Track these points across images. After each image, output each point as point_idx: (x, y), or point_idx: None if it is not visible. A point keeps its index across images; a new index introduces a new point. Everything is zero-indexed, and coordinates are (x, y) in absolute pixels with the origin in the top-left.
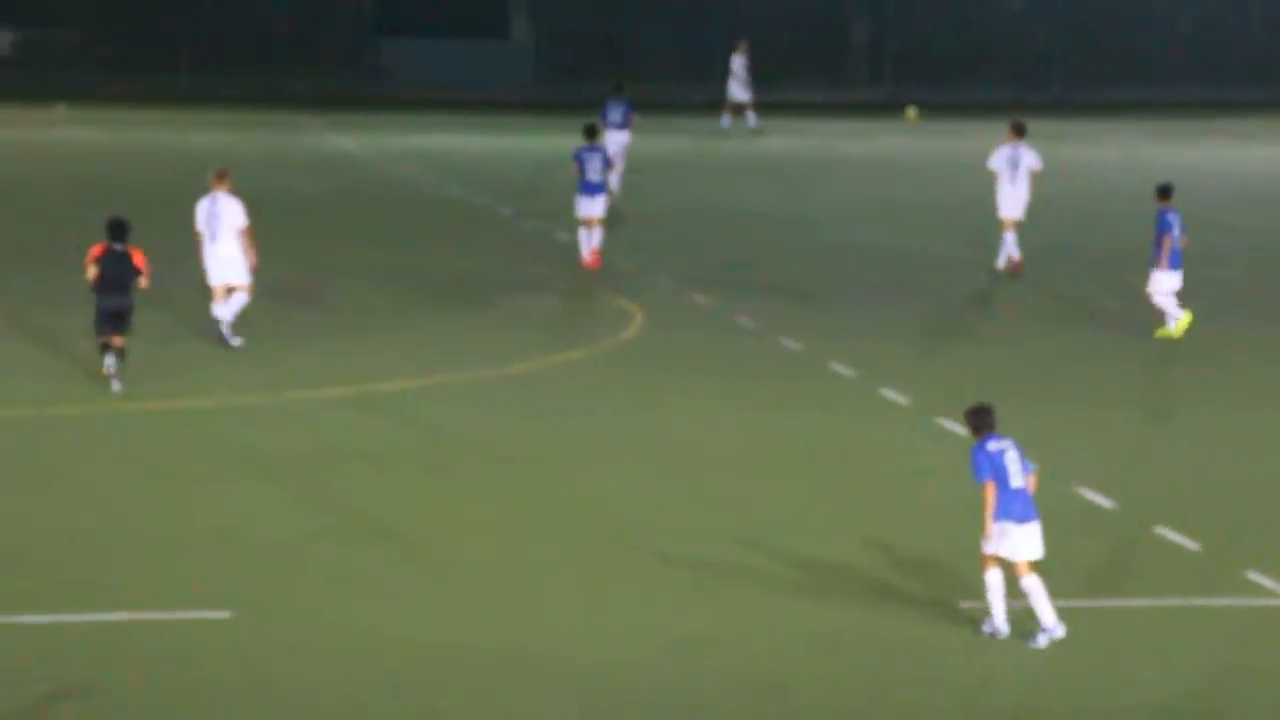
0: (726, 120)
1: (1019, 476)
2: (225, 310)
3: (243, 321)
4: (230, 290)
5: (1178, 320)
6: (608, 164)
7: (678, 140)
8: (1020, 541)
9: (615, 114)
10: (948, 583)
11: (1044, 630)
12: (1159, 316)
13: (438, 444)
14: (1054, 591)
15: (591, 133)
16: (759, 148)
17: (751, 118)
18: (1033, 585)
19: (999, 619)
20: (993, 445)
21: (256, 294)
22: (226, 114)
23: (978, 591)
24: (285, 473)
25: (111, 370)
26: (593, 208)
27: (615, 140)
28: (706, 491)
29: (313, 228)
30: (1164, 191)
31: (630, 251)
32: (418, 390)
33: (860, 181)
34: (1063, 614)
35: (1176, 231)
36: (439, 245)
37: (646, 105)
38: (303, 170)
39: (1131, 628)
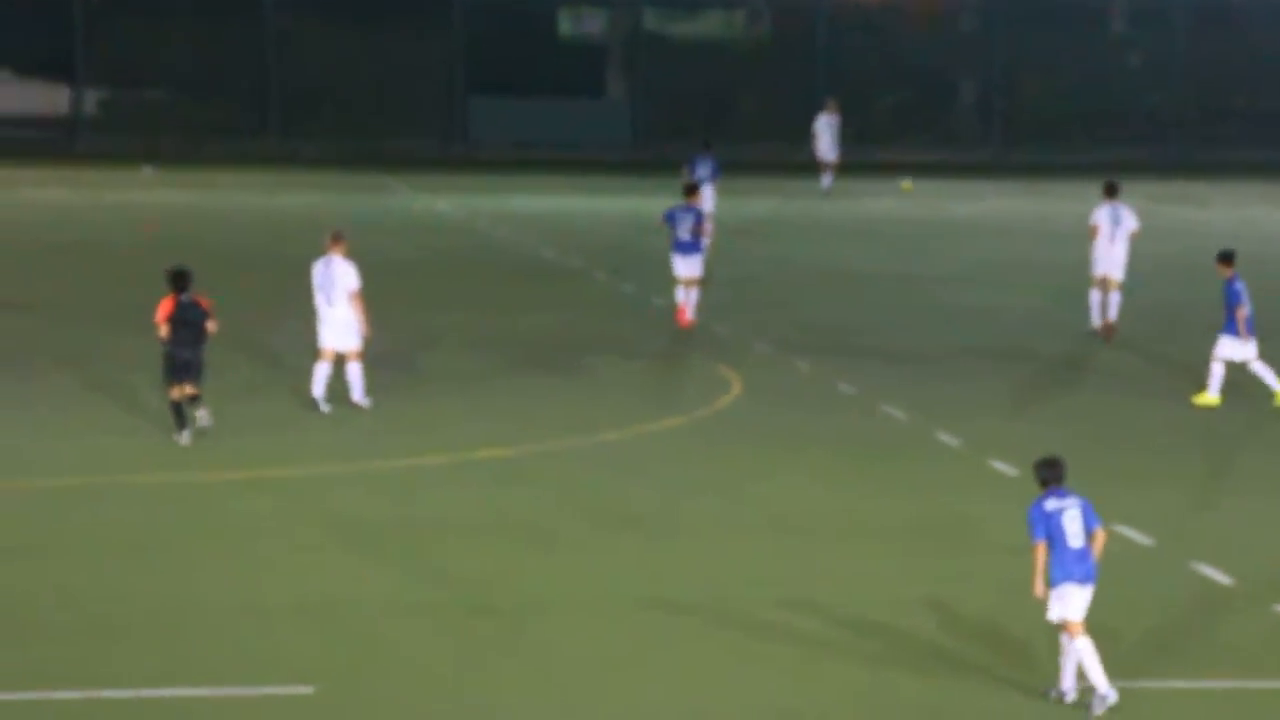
0: (827, 180)
1: (1078, 537)
2: (355, 382)
3: (336, 385)
4: (339, 355)
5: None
6: (700, 222)
7: (778, 201)
8: (1079, 603)
9: (703, 171)
10: (1054, 663)
11: (1100, 696)
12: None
13: (533, 514)
14: (1187, 672)
15: (690, 191)
16: (861, 209)
17: (827, 179)
18: (1087, 647)
19: (1102, 683)
20: (1051, 504)
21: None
22: (315, 175)
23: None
24: (376, 543)
25: (187, 427)
26: (685, 267)
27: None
28: (807, 564)
29: (405, 291)
30: (1226, 258)
31: (728, 315)
32: (512, 458)
33: (965, 243)
34: (1190, 694)
35: (1244, 300)
36: (533, 309)
37: (746, 166)
38: (394, 233)
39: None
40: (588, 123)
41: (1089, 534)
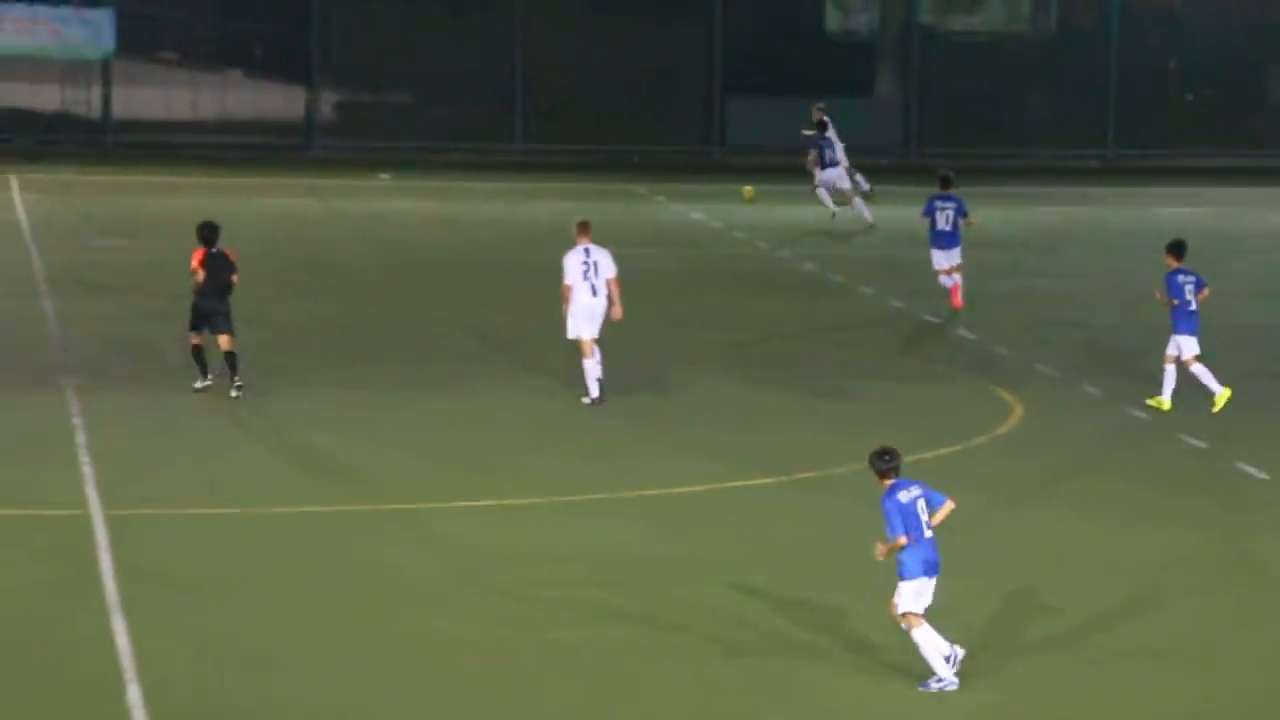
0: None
1: (929, 527)
2: (598, 367)
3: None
4: (596, 343)
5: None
6: (964, 214)
7: (1063, 209)
8: (928, 594)
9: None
10: None
11: (937, 678)
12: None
13: (800, 545)
14: None
15: (946, 182)
16: (1153, 218)
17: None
18: (927, 636)
19: (945, 669)
20: (904, 495)
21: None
22: (561, 182)
23: None
24: (623, 579)
25: (210, 375)
26: (945, 259)
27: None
28: (1071, 603)
29: (654, 306)
30: (1173, 249)
31: (1007, 334)
32: (772, 488)
33: (1269, 256)
34: None
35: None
36: (792, 327)
37: (1027, 171)
38: (644, 243)
39: None
40: (855, 125)
41: (932, 513)
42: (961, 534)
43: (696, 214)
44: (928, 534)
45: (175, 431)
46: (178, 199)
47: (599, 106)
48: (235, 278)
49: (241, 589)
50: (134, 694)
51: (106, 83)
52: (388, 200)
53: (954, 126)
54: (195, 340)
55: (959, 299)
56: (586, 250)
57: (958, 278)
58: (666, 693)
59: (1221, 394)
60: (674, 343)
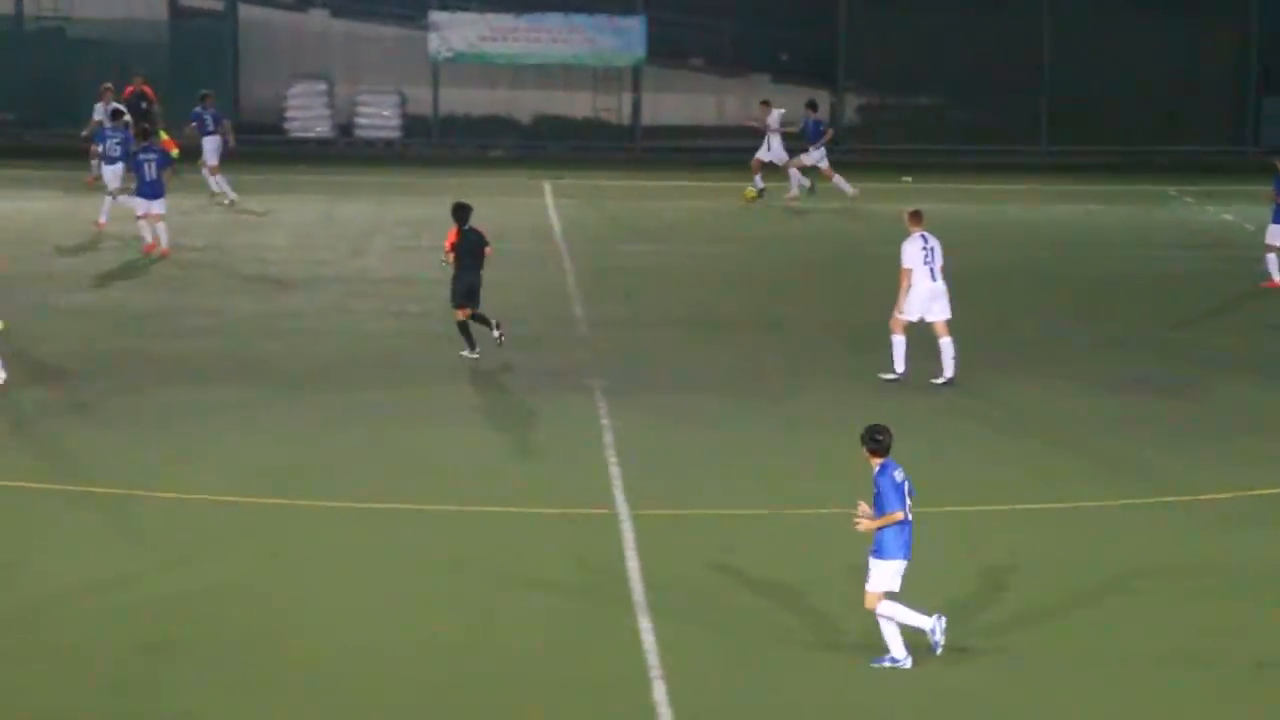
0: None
1: (909, 511)
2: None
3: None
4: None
5: None
6: None
7: None
8: (900, 576)
9: None
10: None
11: (892, 658)
12: None
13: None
14: None
15: None
16: None
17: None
18: (894, 610)
19: (900, 648)
20: (898, 474)
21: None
22: (1087, 185)
23: None
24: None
25: (477, 346)
26: None
27: None
28: None
29: (1175, 312)
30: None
31: None
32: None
33: None
34: None
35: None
36: None
37: None
38: (1166, 246)
39: None
40: None
41: (912, 499)
42: None
43: (1227, 215)
44: (909, 517)
45: (700, 433)
46: (702, 203)
47: (1124, 107)
48: (488, 249)
49: (767, 591)
50: (659, 690)
51: (636, 89)
52: (908, 203)
53: None
54: (461, 314)
55: None
56: (924, 237)
57: None
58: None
59: None
60: (1193, 347)
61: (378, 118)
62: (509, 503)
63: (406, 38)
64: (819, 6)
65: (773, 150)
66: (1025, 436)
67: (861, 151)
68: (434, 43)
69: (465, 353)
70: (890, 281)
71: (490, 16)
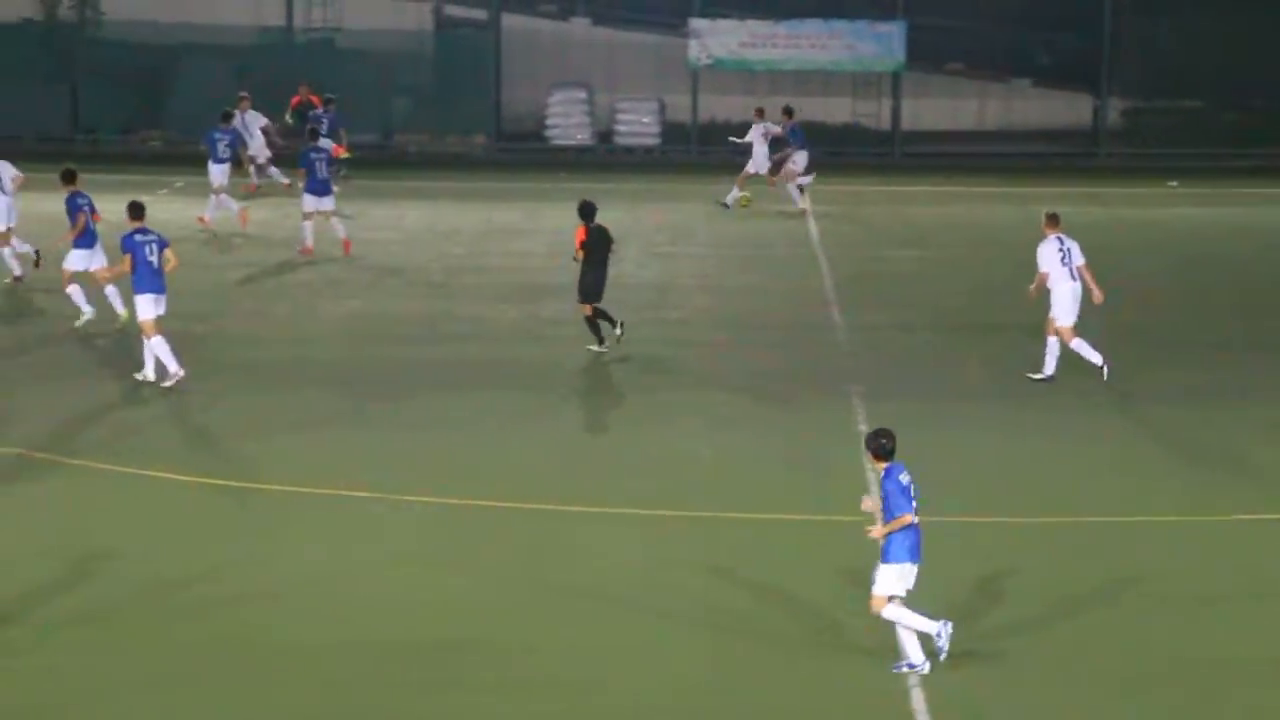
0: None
1: (916, 514)
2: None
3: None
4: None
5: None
6: None
7: None
8: (911, 579)
9: None
10: None
11: (908, 663)
12: None
13: None
14: None
15: None
16: None
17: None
18: (900, 612)
19: (917, 652)
20: (903, 477)
21: None
22: None
23: None
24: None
25: (606, 341)
26: None
27: None
28: None
29: None
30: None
31: None
32: None
33: None
34: None
35: None
36: None
37: None
38: None
39: None
40: None
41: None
42: None
43: None
44: (916, 520)
45: (960, 439)
46: (961, 208)
47: None
48: (613, 246)
49: (1037, 597)
50: (918, 699)
51: (895, 95)
52: (1173, 208)
53: None
54: (587, 310)
55: None
56: (1060, 239)
57: None
58: None
59: None
60: None
61: (637, 125)
62: (766, 509)
63: (666, 45)
64: (1082, 9)
65: (756, 160)
66: None
67: (1126, 156)
68: (694, 49)
69: (593, 347)
70: (1176, 290)
71: (750, 23)
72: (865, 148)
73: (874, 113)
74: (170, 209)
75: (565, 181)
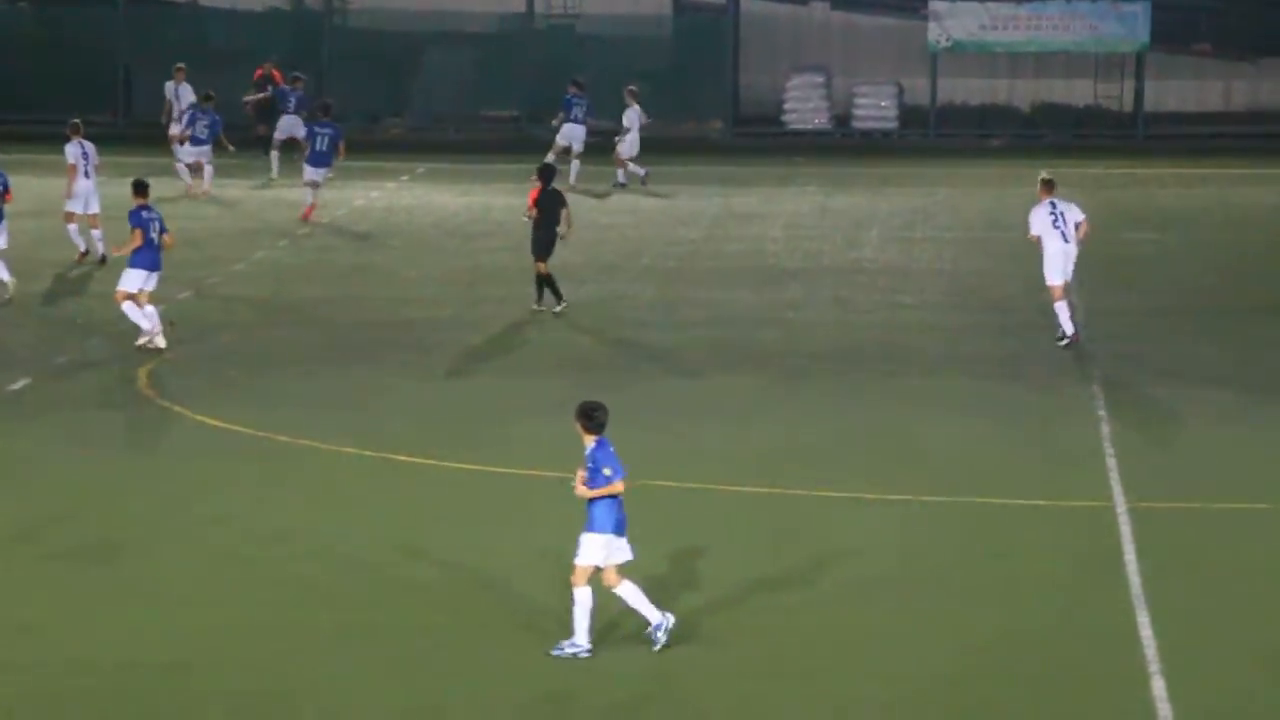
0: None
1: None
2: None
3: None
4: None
5: None
6: None
7: None
8: (618, 550)
9: None
10: None
11: (657, 627)
12: None
13: None
14: None
15: None
16: None
17: (621, 173)
18: (630, 589)
19: (584, 636)
20: (613, 448)
21: None
22: None
23: None
24: None
25: (542, 301)
26: None
27: None
28: None
29: None
30: None
31: None
32: None
33: None
34: None
35: None
36: None
37: None
38: None
39: None
40: None
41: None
42: None
43: None
44: (620, 493)
45: (1201, 426)
46: (1208, 190)
47: None
48: (565, 211)
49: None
50: (1158, 687)
51: (1139, 76)
52: None
53: None
54: (543, 269)
55: None
56: (1053, 204)
57: None
58: None
59: None
60: None
61: (875, 109)
62: (1002, 494)
63: (905, 28)
64: None
65: (628, 142)
66: None
67: None
68: (933, 32)
69: (553, 308)
70: None
71: (991, 5)
72: (1107, 130)
73: (1117, 94)
74: (414, 193)
75: (803, 166)
